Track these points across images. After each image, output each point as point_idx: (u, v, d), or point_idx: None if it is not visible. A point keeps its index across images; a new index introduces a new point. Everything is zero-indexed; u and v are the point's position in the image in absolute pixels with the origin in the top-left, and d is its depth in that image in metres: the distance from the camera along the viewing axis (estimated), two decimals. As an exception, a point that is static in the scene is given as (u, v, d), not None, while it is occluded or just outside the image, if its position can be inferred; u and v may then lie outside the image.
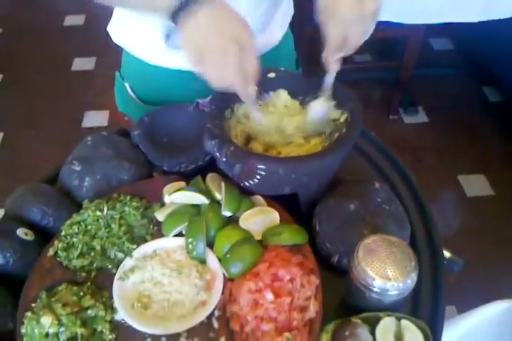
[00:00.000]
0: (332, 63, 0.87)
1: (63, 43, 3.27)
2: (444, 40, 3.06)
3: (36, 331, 0.70)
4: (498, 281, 1.81)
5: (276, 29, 1.15)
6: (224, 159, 0.87)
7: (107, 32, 1.18)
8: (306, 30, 2.45)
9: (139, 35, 1.09)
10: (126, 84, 1.20)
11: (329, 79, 0.90)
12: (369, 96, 2.69)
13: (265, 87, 0.98)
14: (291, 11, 1.21)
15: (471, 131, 2.55)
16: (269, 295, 0.76)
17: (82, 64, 3.15)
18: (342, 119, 0.93)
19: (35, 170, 2.48)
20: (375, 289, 0.73)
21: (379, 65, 2.74)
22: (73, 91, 2.96)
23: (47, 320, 0.70)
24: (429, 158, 2.45)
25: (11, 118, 2.78)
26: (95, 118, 2.78)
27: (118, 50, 1.23)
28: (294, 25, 1.26)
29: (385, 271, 0.73)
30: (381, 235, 0.78)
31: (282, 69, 1.00)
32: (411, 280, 0.73)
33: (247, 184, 0.89)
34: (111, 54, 2.38)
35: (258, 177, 0.85)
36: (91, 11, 3.45)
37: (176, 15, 0.75)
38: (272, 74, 1.00)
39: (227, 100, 0.96)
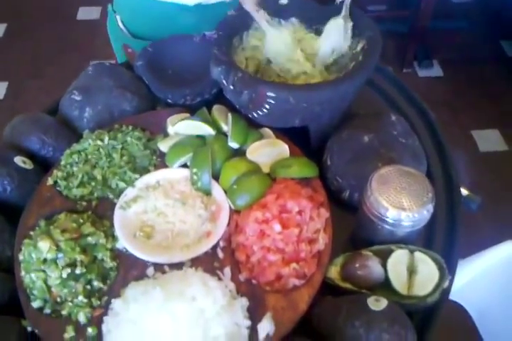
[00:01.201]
0: None
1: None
2: (462, -9, 2.92)
3: (34, 256, 0.67)
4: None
5: None
6: (231, 87, 0.82)
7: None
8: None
9: None
10: (118, 17, 1.16)
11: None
12: (382, 48, 2.59)
13: (277, 14, 0.92)
14: None
15: (486, 86, 2.46)
16: (277, 226, 0.72)
17: (88, 13, 3.05)
18: (359, 48, 0.87)
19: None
20: (388, 220, 0.70)
21: (394, 14, 2.62)
22: (79, 41, 2.88)
23: (44, 244, 0.67)
24: (442, 112, 2.37)
25: (15, 68, 2.72)
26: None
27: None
28: None
29: (399, 201, 0.69)
30: (397, 166, 0.73)
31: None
32: (427, 212, 0.69)
33: (255, 115, 0.84)
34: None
35: (267, 106, 0.80)
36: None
37: None
38: (284, 1, 0.93)
39: (235, 27, 0.90)
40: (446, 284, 0.69)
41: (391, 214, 0.69)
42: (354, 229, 0.80)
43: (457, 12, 2.80)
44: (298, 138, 0.88)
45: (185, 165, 0.84)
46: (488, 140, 2.27)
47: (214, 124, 0.86)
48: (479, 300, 1.09)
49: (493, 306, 1.07)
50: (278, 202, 0.75)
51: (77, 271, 0.67)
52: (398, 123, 0.86)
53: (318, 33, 0.92)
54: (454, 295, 0.72)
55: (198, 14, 1.00)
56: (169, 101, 0.97)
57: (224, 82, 0.83)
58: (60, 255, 0.67)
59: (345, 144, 0.84)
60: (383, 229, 0.72)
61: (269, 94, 0.78)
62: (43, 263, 0.67)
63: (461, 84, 2.50)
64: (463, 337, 1.31)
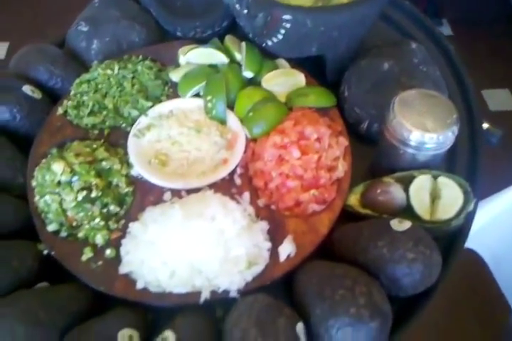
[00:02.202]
0: None
1: None
2: None
3: (47, 178, 0.65)
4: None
5: None
6: (245, 10, 0.78)
7: None
8: None
9: None
10: None
11: None
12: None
13: None
14: None
15: (495, 46, 2.40)
16: (296, 152, 0.70)
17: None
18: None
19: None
20: (411, 143, 0.67)
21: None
22: (80, 2, 2.79)
23: (58, 166, 0.65)
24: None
25: (15, 28, 2.65)
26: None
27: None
28: None
29: (423, 123, 0.67)
30: (419, 89, 0.70)
31: None
32: (452, 133, 0.67)
33: (269, 43, 0.81)
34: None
35: (282, 31, 0.76)
36: None
37: None
38: None
39: None
40: (471, 207, 0.67)
41: (414, 136, 0.66)
42: (374, 159, 0.78)
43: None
44: (313, 71, 0.85)
45: (198, 95, 0.81)
46: (499, 99, 2.23)
47: (227, 53, 0.82)
48: (494, 245, 1.08)
49: (509, 252, 1.06)
50: (296, 128, 0.73)
51: (93, 195, 0.66)
52: (418, 51, 0.82)
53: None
54: (468, 242, 0.71)
55: None
56: (178, 34, 0.93)
57: (237, 6, 0.79)
58: (75, 178, 0.66)
59: (364, 73, 0.81)
60: (406, 155, 0.70)
61: (285, 16, 0.74)
62: (57, 185, 0.66)
63: (470, 43, 2.44)
64: (479, 284, 1.31)
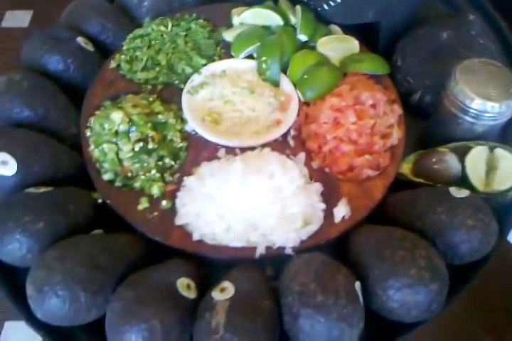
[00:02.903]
0: None
1: None
2: None
3: (106, 126, 0.65)
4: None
5: None
6: (306, -27, 0.76)
7: None
8: None
9: None
10: None
11: None
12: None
13: None
14: None
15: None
16: (352, 116, 0.70)
17: None
18: None
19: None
20: (472, 111, 0.66)
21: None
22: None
23: (118, 115, 0.65)
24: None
25: (39, -4, 2.63)
26: None
27: None
28: None
29: (485, 92, 0.66)
30: (481, 58, 0.69)
31: None
32: (513, 104, 0.65)
33: (325, 6, 0.80)
34: None
35: (341, -6, 0.75)
36: None
37: None
38: None
39: None
40: (528, 180, 0.66)
41: (476, 104, 0.66)
42: (427, 130, 0.77)
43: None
44: (363, 39, 0.84)
45: (250, 57, 0.80)
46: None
47: (282, 15, 0.81)
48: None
49: None
50: (352, 93, 0.72)
51: (149, 146, 0.65)
52: (476, 23, 0.81)
53: None
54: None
55: None
56: (229, -3, 0.92)
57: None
58: (133, 128, 0.65)
59: (421, 42, 0.79)
60: (464, 124, 0.69)
61: (346, -22, 0.73)
62: (115, 135, 0.65)
63: None
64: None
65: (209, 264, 0.62)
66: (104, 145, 0.65)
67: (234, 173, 0.61)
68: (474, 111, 0.66)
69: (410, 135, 0.75)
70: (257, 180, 0.61)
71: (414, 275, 0.54)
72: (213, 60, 0.79)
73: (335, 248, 0.63)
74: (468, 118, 0.68)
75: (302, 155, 0.68)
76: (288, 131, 0.72)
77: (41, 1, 2.59)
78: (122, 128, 0.65)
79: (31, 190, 0.60)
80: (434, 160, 0.69)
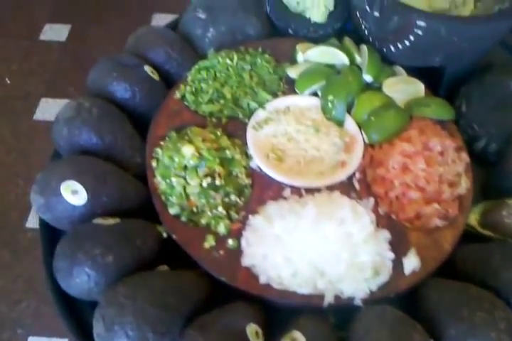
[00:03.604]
0: None
1: None
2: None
3: (177, 160, 0.64)
4: None
5: None
6: (376, 13, 0.76)
7: None
8: None
9: None
10: None
11: None
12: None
13: None
14: None
15: None
16: (421, 162, 0.68)
17: (152, -38, 2.97)
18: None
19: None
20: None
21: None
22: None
23: (189, 150, 0.64)
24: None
25: (78, 12, 2.68)
26: (163, 21, 2.64)
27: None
28: None
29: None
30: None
31: None
32: None
33: (392, 48, 0.79)
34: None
35: (412, 38, 0.75)
36: None
37: None
38: None
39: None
40: None
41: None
42: (492, 179, 0.75)
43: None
44: (426, 81, 0.83)
45: (314, 94, 0.79)
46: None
47: (347, 54, 0.81)
48: None
49: None
50: (421, 138, 0.71)
51: (217, 182, 0.64)
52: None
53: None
54: None
55: None
56: (289, 31, 0.92)
57: (367, 7, 0.78)
58: (202, 163, 0.64)
59: (488, 89, 0.79)
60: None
61: (420, 23, 0.72)
62: (184, 169, 0.64)
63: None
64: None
65: (272, 308, 0.60)
66: (173, 179, 0.64)
67: (306, 217, 0.60)
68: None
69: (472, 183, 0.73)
70: (328, 226, 0.60)
71: (494, 338, 0.52)
72: (277, 96, 0.79)
73: (402, 300, 0.61)
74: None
75: (371, 201, 0.66)
76: (353, 174, 0.70)
77: (79, 15, 2.64)
78: (192, 162, 0.64)
79: (100, 220, 0.59)
80: (504, 213, 0.67)
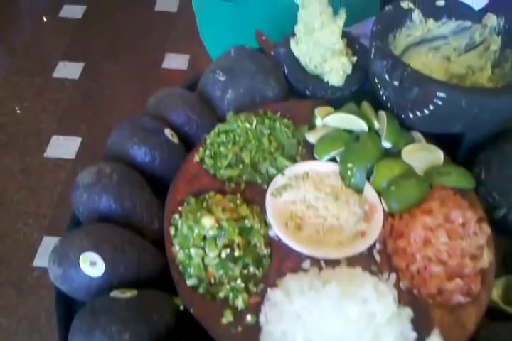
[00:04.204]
0: None
1: (147, -19, 3.17)
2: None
3: (196, 231, 0.63)
4: None
5: None
6: (395, 83, 0.77)
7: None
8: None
9: None
10: None
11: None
12: None
13: (432, 15, 0.89)
14: None
15: None
16: (443, 235, 0.68)
17: (166, 5, 3.06)
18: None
19: (113, 103, 2.48)
20: None
21: None
22: (155, 30, 2.89)
23: (209, 221, 0.63)
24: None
25: (92, 50, 2.74)
26: (175, 61, 2.71)
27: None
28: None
29: None
30: None
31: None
32: None
33: (411, 115, 0.80)
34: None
35: (431, 107, 0.76)
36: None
37: None
38: (441, 2, 0.89)
39: (392, 23, 0.87)
40: None
41: None
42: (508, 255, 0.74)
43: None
44: (444, 145, 0.83)
45: (332, 159, 0.79)
46: None
47: (366, 120, 0.81)
48: None
49: None
50: (442, 210, 0.70)
51: (236, 253, 0.63)
52: None
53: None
54: None
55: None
56: (307, 92, 0.93)
57: (387, 76, 0.79)
58: (221, 234, 0.63)
59: (508, 158, 0.78)
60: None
61: (440, 94, 0.73)
62: (203, 240, 0.63)
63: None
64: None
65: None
66: (192, 250, 0.63)
67: (328, 297, 0.58)
68: None
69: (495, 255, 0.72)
70: (351, 305, 0.58)
71: None
72: (295, 160, 0.79)
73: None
74: None
75: (393, 277, 0.65)
76: (373, 244, 0.69)
77: (93, 53, 2.71)
78: (211, 233, 0.63)
79: (117, 293, 0.58)
80: (527, 289, 0.66)
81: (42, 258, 1.90)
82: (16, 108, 2.48)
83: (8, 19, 2.92)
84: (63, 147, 2.32)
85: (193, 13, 1.34)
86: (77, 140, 2.34)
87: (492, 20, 0.87)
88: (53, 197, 2.11)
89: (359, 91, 0.94)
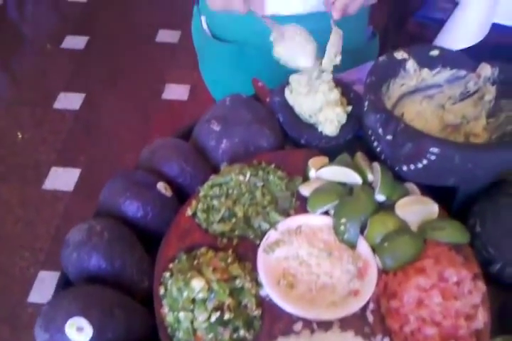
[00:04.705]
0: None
1: (149, 13, 3.23)
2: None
3: (185, 294, 0.62)
4: None
5: None
6: (389, 137, 0.78)
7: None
8: (408, 22, 2.34)
9: None
10: (202, 18, 1.18)
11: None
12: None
13: (426, 65, 0.90)
14: None
15: None
16: (437, 296, 0.67)
17: (167, 36, 3.11)
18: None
19: (113, 134, 2.50)
20: None
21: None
22: (156, 61, 2.93)
23: (198, 283, 0.62)
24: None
25: (93, 81, 2.77)
26: (176, 91, 2.74)
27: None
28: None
29: None
30: None
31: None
32: None
33: (404, 168, 0.80)
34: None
35: (425, 162, 0.76)
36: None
37: None
38: (434, 52, 0.90)
39: (385, 74, 0.88)
40: None
41: None
42: (508, 308, 0.73)
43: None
44: (439, 196, 0.83)
45: (325, 213, 0.79)
46: None
47: (359, 172, 0.81)
48: None
49: None
50: (436, 268, 0.69)
51: (226, 316, 0.62)
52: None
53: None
54: None
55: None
56: (302, 141, 0.94)
57: (380, 130, 0.79)
58: (211, 296, 0.62)
59: (503, 212, 0.78)
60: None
61: (433, 149, 0.73)
62: (192, 302, 0.62)
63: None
64: None
65: None
66: (181, 314, 0.62)
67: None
68: None
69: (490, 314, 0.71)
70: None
71: None
72: (288, 213, 0.78)
73: None
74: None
75: (386, 341, 0.64)
76: (367, 304, 0.68)
77: (94, 84, 2.74)
78: (201, 296, 0.62)
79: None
80: (524, 353, 0.65)
81: (37, 294, 1.88)
82: (16, 139, 2.50)
83: (11, 49, 2.97)
84: (62, 179, 2.32)
85: (192, 46, 1.36)
86: (76, 171, 2.34)
87: (486, 69, 0.88)
88: (50, 230, 2.10)
89: (354, 138, 0.94)
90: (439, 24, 1.38)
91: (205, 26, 1.18)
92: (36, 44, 3.05)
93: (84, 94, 2.71)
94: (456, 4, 1.52)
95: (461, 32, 1.32)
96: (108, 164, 2.32)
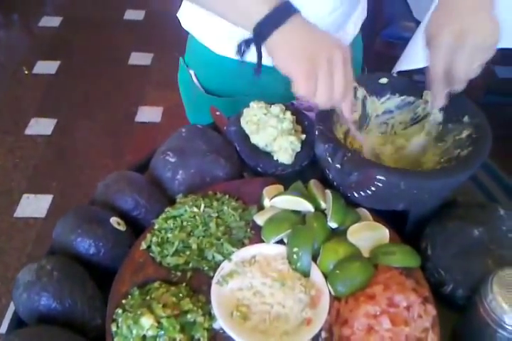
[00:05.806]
0: (438, 99, 0.83)
1: (121, 36, 3.25)
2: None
3: (134, 332, 0.63)
4: None
5: (350, 29, 1.12)
6: (338, 165, 0.80)
7: (166, 29, 1.16)
8: (376, 41, 2.39)
9: (208, 23, 1.04)
10: (191, 72, 1.16)
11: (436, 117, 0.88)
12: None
13: (375, 92, 0.93)
14: (364, 14, 1.16)
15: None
16: (386, 322, 0.68)
17: (139, 59, 3.13)
18: (464, 135, 0.85)
19: (86, 158, 2.49)
20: (508, 327, 0.65)
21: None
22: (129, 84, 2.94)
23: (147, 321, 0.63)
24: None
25: (65, 106, 2.77)
26: (149, 114, 2.75)
27: (175, 49, 1.16)
28: (363, 36, 1.23)
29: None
30: (515, 266, 0.69)
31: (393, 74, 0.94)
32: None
33: (355, 195, 0.82)
34: (168, 52, 2.35)
35: (373, 188, 0.78)
36: (151, 6, 3.44)
37: (262, 24, 0.68)
38: (384, 80, 0.93)
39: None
40: None
41: (513, 321, 0.64)
42: (459, 330, 0.75)
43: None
44: (392, 220, 0.85)
45: (280, 241, 0.80)
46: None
47: (312, 200, 0.83)
48: None
49: None
50: (386, 294, 0.71)
51: (176, 353, 0.62)
52: (507, 217, 0.82)
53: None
54: None
55: (273, 73, 0.96)
56: (259, 169, 0.95)
57: (329, 159, 0.81)
58: (161, 333, 0.63)
59: (452, 236, 0.80)
60: (502, 338, 0.67)
61: (379, 177, 0.76)
62: (142, 339, 0.63)
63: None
64: None
65: None
66: (131, 353, 0.62)
67: None
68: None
69: (442, 327, 0.72)
70: None
71: None
72: (243, 243, 0.79)
73: None
74: (506, 334, 0.66)
75: (336, 371, 0.65)
76: (319, 333, 0.69)
77: (66, 109, 2.73)
78: (150, 333, 0.63)
79: None
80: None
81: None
82: (-14, 167, 2.47)
83: (-19, 75, 2.96)
84: (34, 206, 2.30)
85: (166, 66, 1.35)
86: (49, 197, 2.32)
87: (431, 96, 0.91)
88: (22, 258, 2.08)
89: (310, 164, 0.96)
90: (406, 42, 1.42)
91: (195, 81, 1.15)
92: (7, 69, 3.04)
93: (56, 119, 2.70)
94: (418, 23, 1.57)
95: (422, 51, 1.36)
96: (81, 189, 2.31)
